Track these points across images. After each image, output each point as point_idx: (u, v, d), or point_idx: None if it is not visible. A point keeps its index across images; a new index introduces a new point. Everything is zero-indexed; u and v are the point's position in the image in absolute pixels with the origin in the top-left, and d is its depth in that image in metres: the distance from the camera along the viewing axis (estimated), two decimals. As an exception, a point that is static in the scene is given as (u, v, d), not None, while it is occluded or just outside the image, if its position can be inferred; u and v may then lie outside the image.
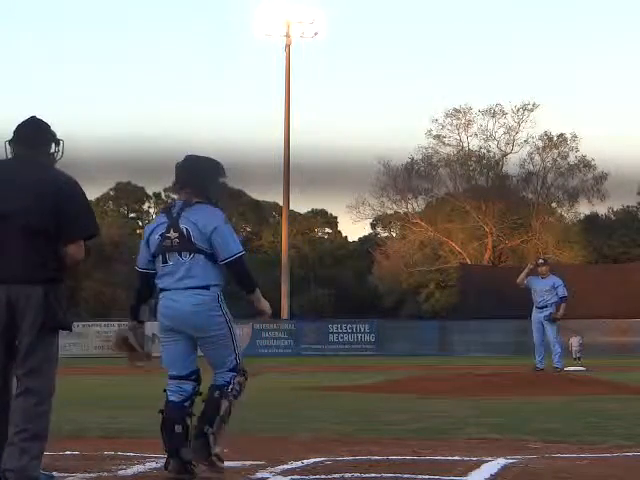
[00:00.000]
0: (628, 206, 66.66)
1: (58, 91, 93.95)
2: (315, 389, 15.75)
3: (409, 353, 37.15)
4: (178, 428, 6.15)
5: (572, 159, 60.70)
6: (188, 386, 6.27)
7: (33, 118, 5.60)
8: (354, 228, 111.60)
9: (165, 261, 6.24)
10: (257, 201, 76.11)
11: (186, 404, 6.23)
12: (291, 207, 52.14)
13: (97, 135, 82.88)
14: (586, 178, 60.67)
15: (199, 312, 6.15)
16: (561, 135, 60.66)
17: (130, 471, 6.40)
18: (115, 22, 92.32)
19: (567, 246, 59.85)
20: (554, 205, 63.18)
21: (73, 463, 6.82)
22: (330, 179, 65.65)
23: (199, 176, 6.32)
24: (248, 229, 78.23)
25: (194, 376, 6.31)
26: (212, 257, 6.19)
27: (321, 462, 6.95)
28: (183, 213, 6.23)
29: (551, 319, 18.42)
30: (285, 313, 47.16)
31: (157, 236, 6.27)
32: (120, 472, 6.28)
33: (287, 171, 47.77)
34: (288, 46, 47.96)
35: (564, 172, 61.05)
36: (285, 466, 6.74)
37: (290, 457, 7.12)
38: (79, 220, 5.34)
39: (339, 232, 79.75)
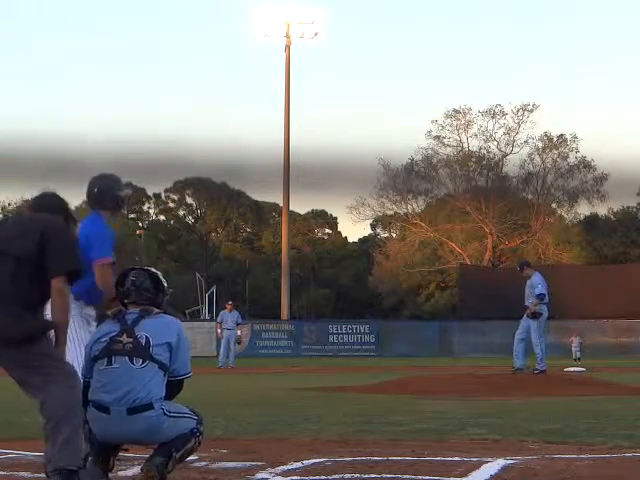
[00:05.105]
0: (628, 207, 66.73)
1: (58, 91, 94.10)
2: (315, 389, 15.75)
3: (409, 354, 37.16)
4: None
5: (572, 160, 60.78)
6: None
7: (54, 195, 5.71)
8: (354, 229, 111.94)
9: (110, 363, 5.78)
10: (257, 202, 76.12)
11: None
12: (291, 208, 52.15)
13: (98, 136, 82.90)
14: (586, 179, 60.73)
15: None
16: (561, 136, 60.70)
17: (130, 471, 6.40)
18: (116, 23, 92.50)
19: (567, 247, 59.86)
20: (554, 206, 63.23)
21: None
22: (330, 179, 65.74)
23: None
24: (248, 229, 78.27)
25: None
26: (166, 368, 5.80)
27: (321, 463, 6.94)
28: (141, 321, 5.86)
29: (528, 315, 18.41)
30: (285, 314, 47.14)
31: (105, 338, 5.86)
32: (120, 472, 6.28)
33: (287, 171, 47.79)
34: (288, 47, 48.00)
35: (564, 173, 61.08)
36: (285, 467, 6.73)
37: (290, 458, 7.12)
38: (61, 256, 5.35)
39: (339, 233, 79.81)
